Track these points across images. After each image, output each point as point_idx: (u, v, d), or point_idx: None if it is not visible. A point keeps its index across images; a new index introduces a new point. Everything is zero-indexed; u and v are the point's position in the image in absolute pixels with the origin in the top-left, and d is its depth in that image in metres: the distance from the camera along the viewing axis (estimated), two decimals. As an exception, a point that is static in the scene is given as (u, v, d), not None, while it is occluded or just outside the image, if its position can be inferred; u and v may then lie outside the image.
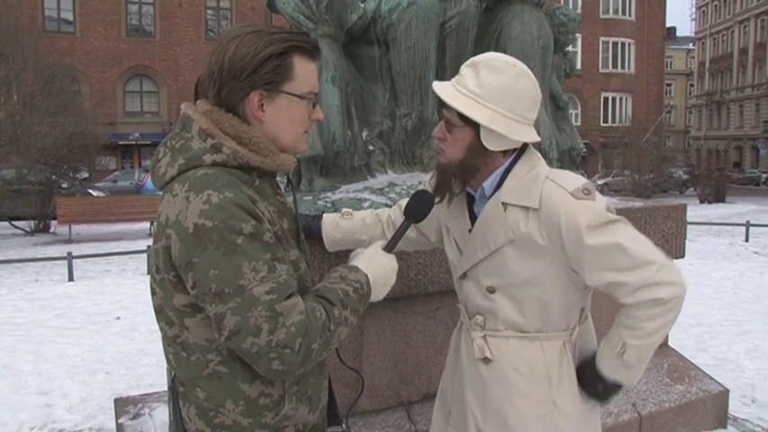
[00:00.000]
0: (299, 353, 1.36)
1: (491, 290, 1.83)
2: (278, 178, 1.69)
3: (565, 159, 3.64)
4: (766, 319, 7.33)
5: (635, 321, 1.69)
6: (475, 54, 3.34)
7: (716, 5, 64.61)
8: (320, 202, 2.79)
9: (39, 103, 17.47)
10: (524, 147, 1.81)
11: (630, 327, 1.70)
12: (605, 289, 1.70)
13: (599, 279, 1.69)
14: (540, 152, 3.29)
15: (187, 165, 1.45)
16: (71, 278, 10.27)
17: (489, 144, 1.72)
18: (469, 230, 1.86)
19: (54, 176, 17.92)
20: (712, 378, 3.63)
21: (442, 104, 1.77)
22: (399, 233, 1.81)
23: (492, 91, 1.69)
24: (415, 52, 3.03)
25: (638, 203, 3.51)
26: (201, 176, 1.40)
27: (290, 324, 1.35)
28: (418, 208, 1.86)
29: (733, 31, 60.58)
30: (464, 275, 1.90)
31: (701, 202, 26.79)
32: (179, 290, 1.42)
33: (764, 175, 45.32)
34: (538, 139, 1.79)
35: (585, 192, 1.68)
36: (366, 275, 1.62)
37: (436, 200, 1.86)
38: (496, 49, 3.31)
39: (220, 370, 1.45)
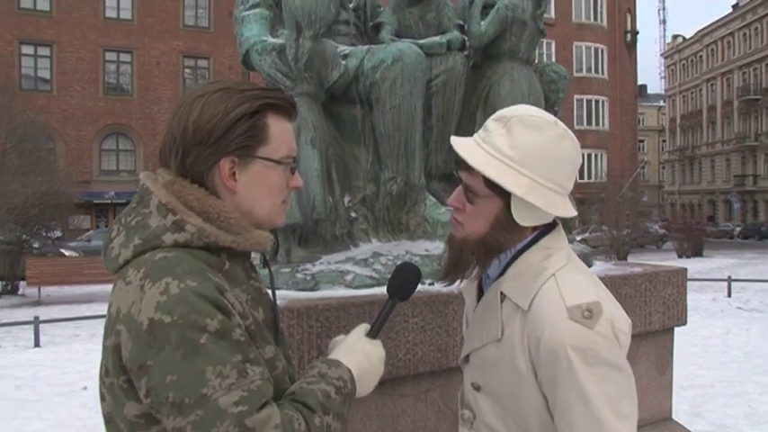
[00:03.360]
0: None
1: (476, 387, 1.56)
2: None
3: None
4: (759, 378, 7.19)
5: None
6: (462, 114, 3.23)
7: (683, 65, 66.64)
8: (299, 275, 2.57)
9: (10, 162, 17.18)
10: (554, 224, 1.51)
11: None
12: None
13: (558, 422, 1.38)
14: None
15: (144, 246, 1.23)
16: (37, 344, 9.87)
17: (521, 218, 1.42)
18: (474, 310, 1.60)
19: (24, 236, 17.53)
20: (721, 456, 3.39)
21: (460, 165, 1.47)
22: (384, 315, 1.56)
23: (529, 154, 1.40)
24: (400, 112, 2.85)
25: (637, 269, 3.31)
26: (160, 261, 1.18)
27: None
28: (403, 284, 1.61)
29: (701, 89, 62.40)
30: (466, 359, 1.63)
31: (680, 256, 26.89)
32: (131, 397, 1.19)
33: (738, 229, 46.01)
34: (574, 213, 1.50)
35: (586, 314, 1.35)
36: (349, 370, 1.38)
37: (446, 283, 1.60)
38: (485, 108, 3.17)
39: None
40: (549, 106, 3.55)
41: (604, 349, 1.35)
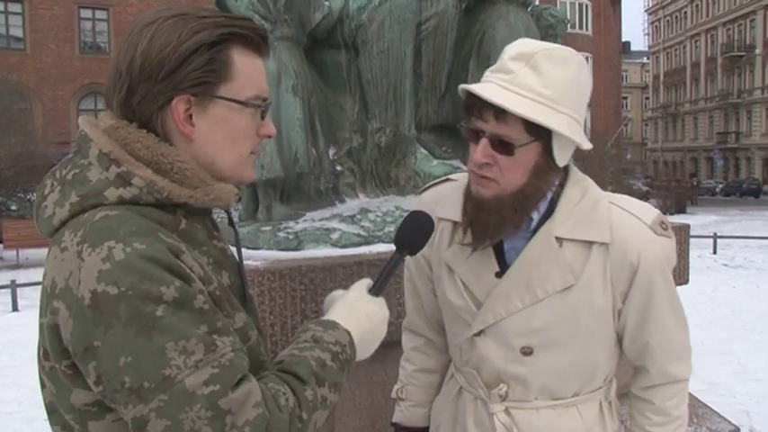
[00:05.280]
0: None
1: (527, 351, 1.44)
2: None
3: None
4: (747, 335, 7.24)
5: (672, 413, 1.51)
6: (455, 61, 3.02)
7: (668, 21, 66.28)
8: (281, 234, 2.39)
9: (-19, 123, 16.76)
10: (567, 166, 1.43)
11: (668, 423, 1.51)
12: (639, 350, 1.48)
13: (647, 337, 1.45)
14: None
15: (82, 203, 1.03)
16: (15, 308, 9.67)
17: (561, 159, 1.33)
18: (498, 273, 1.44)
19: (1, 198, 17.20)
20: (722, 416, 3.30)
21: (476, 115, 1.33)
22: (389, 269, 1.32)
23: (563, 91, 1.30)
24: (388, 57, 2.67)
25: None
26: (100, 221, 0.99)
27: (242, 424, 0.95)
28: (414, 235, 1.36)
29: (685, 46, 62.19)
30: (480, 332, 1.47)
31: (663, 213, 26.97)
32: (77, 384, 1.00)
33: (720, 186, 46.35)
34: (590, 145, 1.43)
35: (663, 226, 1.41)
36: (348, 333, 1.18)
37: (473, 247, 1.43)
38: (479, 54, 2.95)
39: None
40: (546, 53, 3.35)
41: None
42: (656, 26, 69.18)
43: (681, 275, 3.22)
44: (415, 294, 1.66)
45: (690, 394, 3.35)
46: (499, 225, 1.37)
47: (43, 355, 1.04)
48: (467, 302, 1.48)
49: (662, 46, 66.88)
